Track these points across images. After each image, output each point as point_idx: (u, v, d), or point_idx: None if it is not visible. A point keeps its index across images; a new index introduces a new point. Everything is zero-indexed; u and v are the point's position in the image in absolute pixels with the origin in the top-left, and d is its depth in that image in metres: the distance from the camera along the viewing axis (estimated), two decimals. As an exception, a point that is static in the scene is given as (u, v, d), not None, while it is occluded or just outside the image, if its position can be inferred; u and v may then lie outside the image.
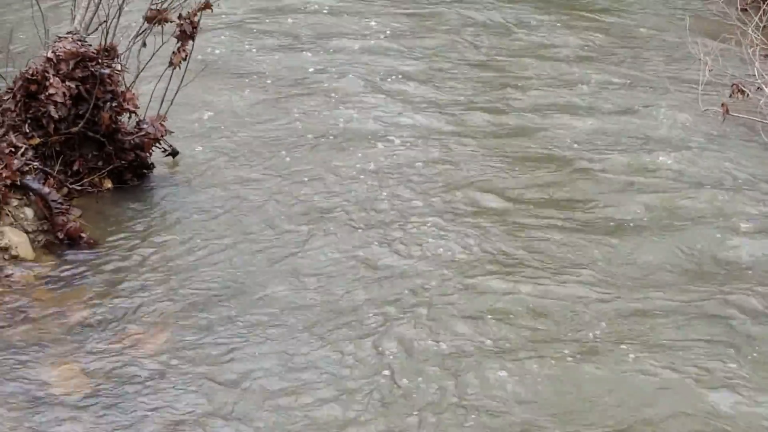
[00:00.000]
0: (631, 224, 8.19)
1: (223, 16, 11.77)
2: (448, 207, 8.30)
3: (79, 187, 8.16)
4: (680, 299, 7.08)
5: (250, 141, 9.47)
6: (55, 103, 8.00)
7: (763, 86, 10.09)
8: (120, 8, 8.94)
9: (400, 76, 10.88)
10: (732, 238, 7.95)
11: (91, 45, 8.41)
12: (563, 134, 9.80)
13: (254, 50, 11.56)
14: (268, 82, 10.75)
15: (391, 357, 6.33)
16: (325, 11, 12.77)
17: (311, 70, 11.09)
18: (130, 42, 8.96)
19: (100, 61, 8.27)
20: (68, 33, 8.54)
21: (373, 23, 12.33)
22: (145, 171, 8.65)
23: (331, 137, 9.55)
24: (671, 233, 8.03)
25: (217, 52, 11.38)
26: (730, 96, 10.21)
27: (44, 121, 8.03)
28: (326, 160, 9.12)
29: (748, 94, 10.15)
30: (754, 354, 6.45)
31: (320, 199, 8.42)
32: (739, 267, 7.61)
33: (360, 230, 7.94)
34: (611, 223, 8.20)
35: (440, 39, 12.01)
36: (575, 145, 9.56)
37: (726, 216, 8.28)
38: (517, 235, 7.92)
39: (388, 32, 12.09)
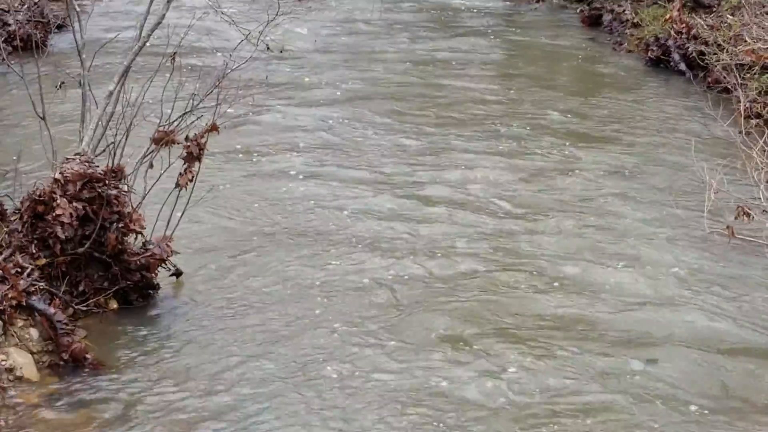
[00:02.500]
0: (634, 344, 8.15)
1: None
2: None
3: (84, 308, 8.12)
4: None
5: (254, 261, 9.46)
6: (62, 224, 8.01)
7: (769, 209, 10.14)
8: (128, 130, 9.01)
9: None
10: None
11: (98, 166, 8.44)
12: (561, 247, 9.86)
13: (257, 174, 11.61)
14: (272, 205, 10.77)
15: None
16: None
17: (317, 192, 11.14)
18: (137, 163, 9.00)
19: (107, 182, 8.30)
20: (76, 154, 8.58)
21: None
22: (151, 291, 8.62)
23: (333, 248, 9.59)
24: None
25: (223, 173, 11.43)
26: (735, 218, 10.21)
27: (51, 242, 8.02)
28: (334, 277, 9.12)
29: (753, 217, 10.15)
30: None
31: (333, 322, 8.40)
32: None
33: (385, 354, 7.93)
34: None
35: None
36: (578, 262, 9.57)
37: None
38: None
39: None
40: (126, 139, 8.93)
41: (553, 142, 12.82)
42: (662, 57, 16.32)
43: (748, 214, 10.17)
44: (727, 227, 10.13)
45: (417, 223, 10.35)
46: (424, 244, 9.92)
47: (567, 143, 12.78)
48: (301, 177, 11.50)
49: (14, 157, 9.69)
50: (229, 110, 10.02)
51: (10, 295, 7.51)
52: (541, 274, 9.36)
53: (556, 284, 9.20)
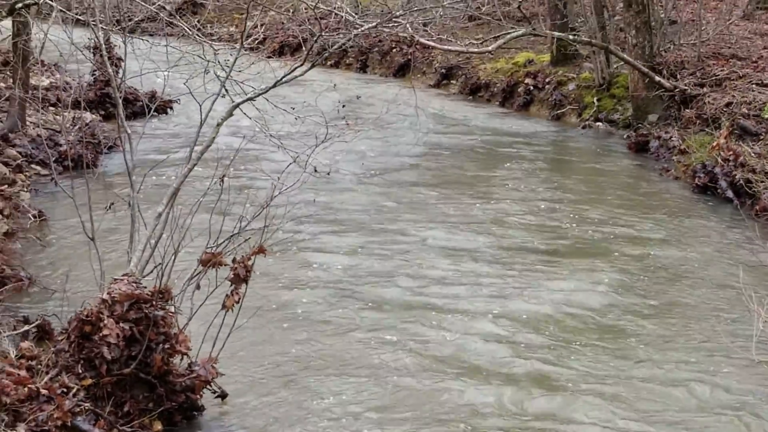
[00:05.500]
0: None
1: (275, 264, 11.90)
2: None
3: (129, 429, 8.06)
4: None
5: (301, 384, 9.40)
6: (109, 345, 8.01)
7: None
8: (176, 252, 9.06)
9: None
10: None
11: (145, 287, 8.47)
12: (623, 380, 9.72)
13: (303, 297, 11.61)
14: (318, 330, 10.74)
15: None
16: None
17: (363, 318, 11.11)
18: (184, 284, 9.02)
19: (154, 303, 8.32)
20: (124, 275, 8.62)
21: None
22: (196, 413, 8.57)
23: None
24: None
25: (270, 295, 11.45)
26: (785, 346, 10.08)
27: (97, 362, 8.02)
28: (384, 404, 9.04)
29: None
30: None
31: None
32: None
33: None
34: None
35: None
36: (634, 390, 9.44)
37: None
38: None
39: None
40: (174, 261, 8.97)
41: (597, 266, 12.75)
42: (709, 184, 16.29)
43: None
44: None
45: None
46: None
47: (610, 267, 12.71)
48: (344, 303, 11.47)
49: (62, 277, 9.76)
50: (276, 233, 10.06)
51: (55, 416, 7.49)
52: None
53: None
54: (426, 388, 9.41)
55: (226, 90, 11.16)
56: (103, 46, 11.27)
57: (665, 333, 10.85)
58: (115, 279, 8.51)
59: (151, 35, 18.30)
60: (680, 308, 11.59)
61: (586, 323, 11.05)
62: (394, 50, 29.74)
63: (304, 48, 19.46)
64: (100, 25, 11.06)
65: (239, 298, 8.93)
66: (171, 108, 22.26)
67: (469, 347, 10.30)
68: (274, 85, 11.16)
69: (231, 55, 11.83)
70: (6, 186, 14.95)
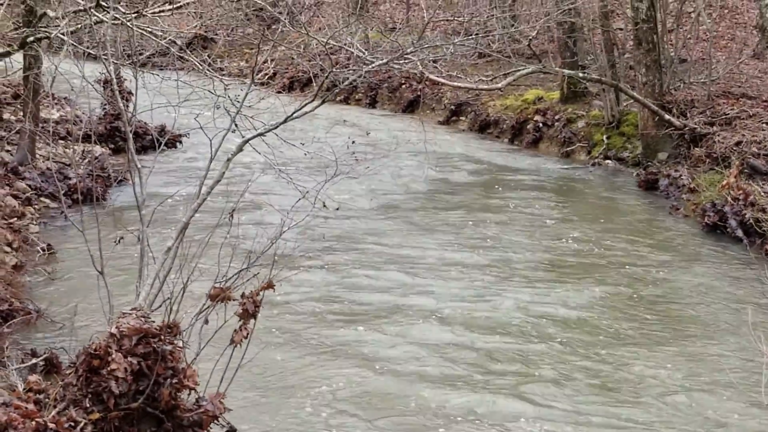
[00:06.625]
0: None
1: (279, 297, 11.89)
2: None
3: (135, 464, 8.03)
4: None
5: (310, 421, 9.36)
6: (117, 379, 7.97)
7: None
8: (184, 286, 9.03)
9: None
10: None
11: (154, 321, 8.43)
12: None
13: (312, 333, 11.59)
14: (324, 365, 10.71)
15: None
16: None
17: (378, 354, 11.08)
18: (192, 319, 8.99)
19: (162, 337, 8.27)
20: (132, 309, 8.59)
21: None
22: (203, 449, 8.53)
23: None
24: None
25: (275, 329, 11.43)
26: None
27: (105, 396, 7.97)
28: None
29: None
30: None
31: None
32: None
33: None
34: None
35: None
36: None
37: None
38: None
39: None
40: (182, 295, 8.94)
41: (607, 306, 12.72)
42: (719, 223, 16.26)
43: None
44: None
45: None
46: None
47: (616, 306, 12.67)
48: (354, 336, 11.46)
49: (71, 311, 9.74)
50: (285, 267, 10.05)
51: (61, 450, 7.45)
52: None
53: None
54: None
55: (236, 125, 11.17)
56: (114, 80, 11.27)
57: (673, 374, 10.79)
58: (124, 313, 8.48)
59: (161, 69, 18.37)
60: (688, 348, 11.53)
61: (591, 367, 10.99)
62: (404, 86, 29.79)
63: (314, 83, 19.58)
64: (111, 59, 11.07)
65: (248, 333, 8.89)
66: (180, 142, 22.31)
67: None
68: (285, 121, 11.18)
69: (241, 89, 11.85)
70: (15, 219, 14.97)
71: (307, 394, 9.95)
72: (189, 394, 8.57)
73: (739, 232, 15.88)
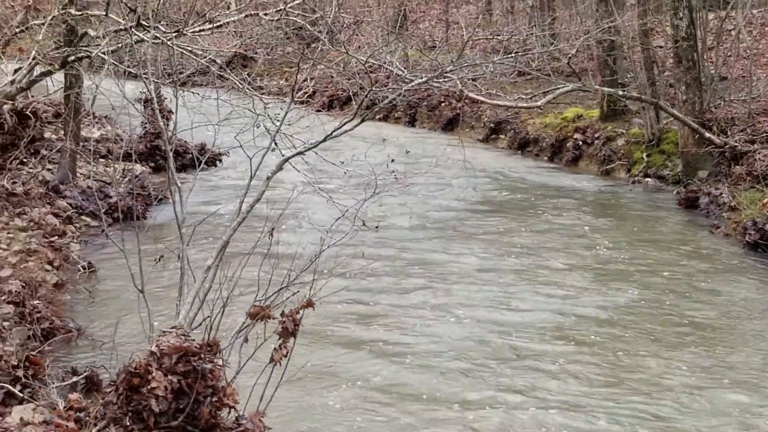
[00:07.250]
0: None
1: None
2: None
3: (175, 482, 8.04)
4: None
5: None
6: (157, 397, 7.99)
7: None
8: (224, 305, 9.03)
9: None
10: None
11: (194, 340, 8.44)
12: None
13: (351, 354, 11.57)
14: (363, 386, 10.68)
15: None
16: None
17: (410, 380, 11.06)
18: (232, 337, 8.99)
19: (202, 356, 8.28)
20: (173, 327, 8.60)
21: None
22: (242, 467, 8.51)
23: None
24: None
25: (318, 349, 11.41)
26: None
27: (145, 415, 7.99)
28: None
29: None
30: None
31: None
32: None
33: None
34: None
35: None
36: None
37: None
38: None
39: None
40: (222, 314, 8.95)
41: (642, 322, 12.64)
42: (760, 241, 16.12)
43: None
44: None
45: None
46: None
47: (657, 324, 12.59)
48: (392, 357, 11.43)
49: (111, 329, 9.77)
50: (325, 287, 10.04)
51: (102, 468, 7.48)
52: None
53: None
54: None
55: (276, 143, 11.20)
56: (155, 98, 11.34)
57: (714, 393, 10.70)
58: (164, 331, 8.49)
59: (201, 88, 18.45)
60: (729, 368, 11.42)
61: (635, 380, 10.93)
62: (443, 104, 29.81)
63: (354, 102, 19.62)
64: (152, 78, 11.14)
65: (287, 352, 8.88)
66: (221, 161, 22.40)
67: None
68: (324, 140, 11.20)
69: (281, 108, 11.88)
70: (56, 237, 15.06)
71: (344, 411, 9.93)
72: (229, 413, 8.56)
73: (781, 251, 15.80)
